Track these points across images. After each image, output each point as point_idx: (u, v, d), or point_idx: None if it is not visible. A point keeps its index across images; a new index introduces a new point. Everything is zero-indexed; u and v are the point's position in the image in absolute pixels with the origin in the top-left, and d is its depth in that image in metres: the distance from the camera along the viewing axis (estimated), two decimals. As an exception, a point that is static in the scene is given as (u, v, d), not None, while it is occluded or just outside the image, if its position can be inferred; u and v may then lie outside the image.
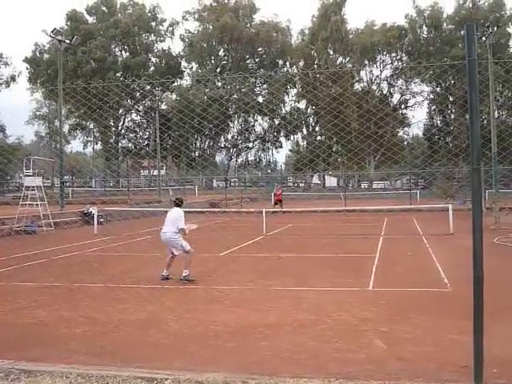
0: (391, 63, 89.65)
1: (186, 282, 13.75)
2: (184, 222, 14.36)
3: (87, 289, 13.23)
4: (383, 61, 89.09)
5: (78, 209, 36.30)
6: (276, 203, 38.40)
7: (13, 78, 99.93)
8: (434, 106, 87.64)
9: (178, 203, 15.04)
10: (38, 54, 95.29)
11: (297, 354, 7.89)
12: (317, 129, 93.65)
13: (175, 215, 14.47)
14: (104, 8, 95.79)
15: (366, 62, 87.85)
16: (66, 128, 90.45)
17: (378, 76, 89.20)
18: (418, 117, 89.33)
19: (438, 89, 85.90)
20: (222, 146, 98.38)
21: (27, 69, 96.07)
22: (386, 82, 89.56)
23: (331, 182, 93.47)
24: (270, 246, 22.01)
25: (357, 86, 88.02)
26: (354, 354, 7.86)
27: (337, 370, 7.13)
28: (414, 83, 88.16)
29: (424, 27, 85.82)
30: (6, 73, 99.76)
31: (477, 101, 5.76)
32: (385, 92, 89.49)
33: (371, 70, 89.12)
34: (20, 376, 6.64)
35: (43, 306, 11.30)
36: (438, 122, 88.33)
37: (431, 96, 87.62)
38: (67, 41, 47.28)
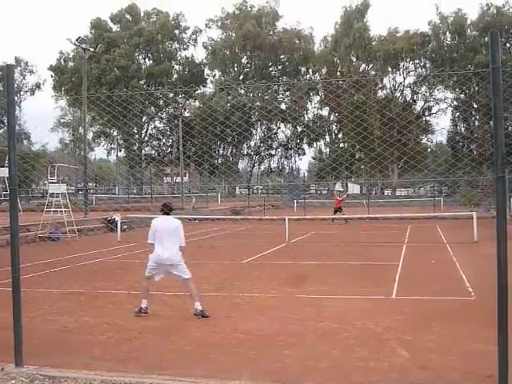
0: (414, 70, 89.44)
1: (201, 317, 10.77)
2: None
3: (111, 295, 13.31)
4: (406, 68, 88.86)
5: (102, 216, 36.49)
6: (336, 211, 38.17)
7: (38, 86, 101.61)
8: (457, 113, 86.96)
9: (168, 211, 11.55)
10: (62, 62, 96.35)
11: (320, 362, 7.87)
12: (340, 136, 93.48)
13: (174, 228, 11.24)
14: (128, 16, 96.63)
15: (389, 69, 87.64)
16: (90, 135, 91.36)
17: (401, 83, 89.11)
18: (442, 124, 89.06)
19: (462, 96, 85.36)
20: (245, 153, 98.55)
21: (52, 77, 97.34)
22: (409, 88, 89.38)
23: (354, 189, 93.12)
24: (292, 253, 21.97)
25: (380, 94, 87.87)
26: (378, 363, 7.81)
27: (360, 378, 7.11)
28: (438, 90, 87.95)
29: (448, 34, 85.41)
30: (32, 81, 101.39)
31: (501, 108, 5.71)
32: (408, 99, 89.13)
33: (394, 77, 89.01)
34: (44, 382, 6.68)
35: (67, 313, 11.38)
36: (462, 129, 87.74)
37: (455, 103, 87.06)
38: (91, 49, 47.77)
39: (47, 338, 9.35)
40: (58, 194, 30.55)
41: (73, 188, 74.87)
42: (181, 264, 11.19)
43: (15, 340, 7.20)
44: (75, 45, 46.42)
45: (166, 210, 11.49)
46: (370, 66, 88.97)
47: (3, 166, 50.59)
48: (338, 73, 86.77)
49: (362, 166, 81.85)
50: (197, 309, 10.85)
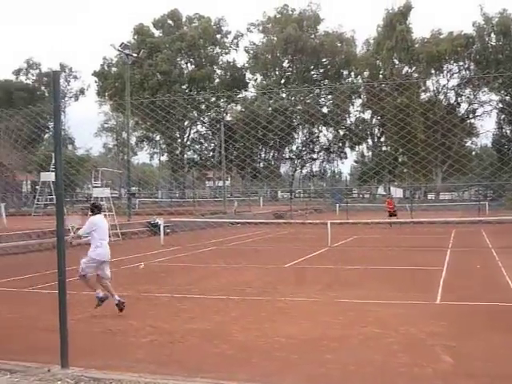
0: (458, 72, 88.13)
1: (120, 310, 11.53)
2: None
3: (154, 298, 13.43)
4: (450, 70, 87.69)
5: (145, 219, 36.81)
6: (391, 215, 37.98)
7: (82, 92, 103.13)
8: (503, 116, 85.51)
9: (98, 211, 12.20)
10: (106, 68, 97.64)
11: (362, 367, 7.82)
12: (382, 139, 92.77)
13: (107, 227, 12.33)
14: (170, 21, 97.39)
15: (433, 72, 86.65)
16: (133, 140, 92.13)
17: (444, 85, 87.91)
18: (487, 127, 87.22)
19: (508, 98, 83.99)
20: (287, 157, 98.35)
21: (96, 82, 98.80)
22: (453, 91, 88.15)
23: (397, 193, 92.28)
24: (335, 257, 21.89)
25: (423, 96, 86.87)
26: (421, 369, 7.72)
27: (403, 384, 7.04)
28: (483, 92, 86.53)
29: (492, 35, 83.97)
30: (76, 86, 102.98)
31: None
32: (452, 101, 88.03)
33: (438, 80, 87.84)
34: (89, 383, 6.77)
35: (111, 315, 11.50)
36: (508, 131, 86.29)
37: (500, 105, 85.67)
38: (134, 54, 48.26)
39: (92, 341, 9.48)
40: (101, 197, 30.92)
41: (116, 192, 75.80)
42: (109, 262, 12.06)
43: (61, 342, 7.31)
44: (118, 50, 46.98)
45: (97, 210, 12.10)
46: (413, 69, 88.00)
47: (49, 171, 51.58)
48: (381, 76, 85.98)
49: (405, 170, 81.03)
50: (119, 300, 11.56)
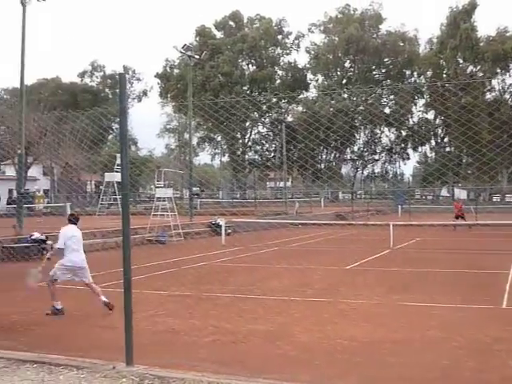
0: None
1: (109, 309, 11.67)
2: None
3: (216, 298, 13.51)
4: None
5: (207, 220, 37.12)
6: (457, 217, 37.51)
7: (144, 93, 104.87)
8: None
9: (74, 221, 12.45)
10: (168, 70, 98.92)
11: (427, 372, 7.71)
12: (446, 140, 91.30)
13: (80, 236, 12.34)
14: (232, 23, 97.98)
15: (498, 71, 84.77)
16: (194, 140, 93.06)
17: (511, 84, 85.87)
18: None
19: None
20: (348, 157, 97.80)
21: (158, 84, 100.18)
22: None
23: (461, 194, 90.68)
24: (397, 259, 21.63)
25: (488, 96, 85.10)
26: (488, 375, 7.58)
27: (470, 390, 6.91)
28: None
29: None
30: (139, 88, 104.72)
31: None
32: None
33: (503, 79, 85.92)
34: (154, 381, 6.86)
35: (174, 314, 11.64)
36: None
37: None
38: (196, 56, 48.68)
39: (155, 339, 9.60)
40: (164, 198, 31.32)
41: (178, 192, 76.65)
42: (86, 270, 12.11)
43: (126, 339, 7.42)
44: (181, 52, 47.44)
45: (73, 219, 12.43)
46: (478, 68, 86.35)
47: (113, 171, 52.54)
48: (444, 75, 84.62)
49: (470, 171, 79.50)
50: (104, 300, 11.74)
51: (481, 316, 11.37)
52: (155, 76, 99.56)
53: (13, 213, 37.49)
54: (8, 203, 55.96)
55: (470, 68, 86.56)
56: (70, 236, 11.99)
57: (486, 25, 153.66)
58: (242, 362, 8.19)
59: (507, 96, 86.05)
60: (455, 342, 9.26)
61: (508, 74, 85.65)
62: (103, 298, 11.78)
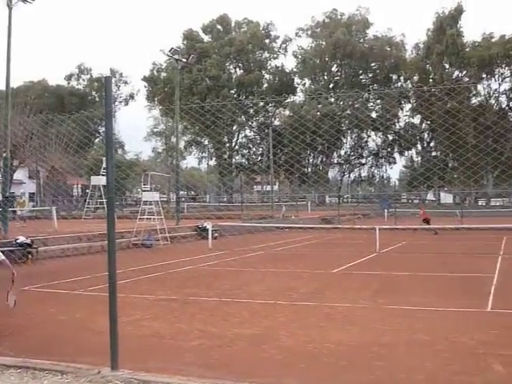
0: (510, 76, 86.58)
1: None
2: None
3: (202, 302, 13.47)
4: (502, 74, 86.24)
5: (194, 223, 37.08)
6: (425, 221, 37.79)
7: (131, 96, 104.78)
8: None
9: None
10: (155, 73, 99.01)
11: (413, 375, 7.71)
12: (432, 144, 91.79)
13: None
14: (219, 26, 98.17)
15: (484, 76, 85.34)
16: (181, 144, 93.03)
17: (496, 90, 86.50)
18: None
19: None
20: (335, 161, 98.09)
21: (145, 87, 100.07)
22: (504, 95, 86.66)
23: (446, 198, 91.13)
24: (383, 263, 21.68)
25: (474, 101, 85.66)
26: (472, 378, 7.60)
27: (454, 393, 6.93)
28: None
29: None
30: (126, 91, 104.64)
31: None
32: (504, 106, 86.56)
33: (489, 84, 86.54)
34: (139, 386, 6.83)
35: (160, 319, 11.60)
36: None
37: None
38: (184, 59, 48.62)
39: (141, 343, 9.55)
40: (151, 201, 31.24)
41: (165, 196, 76.49)
42: None
43: (111, 344, 7.38)
44: (168, 56, 47.49)
45: None
46: (464, 73, 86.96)
47: (99, 175, 52.34)
48: (430, 80, 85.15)
49: (456, 175, 79.92)
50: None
51: (466, 319, 11.40)
52: (142, 79, 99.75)
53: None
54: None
55: (456, 73, 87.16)
56: None
57: (471, 30, 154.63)
58: (228, 366, 8.17)
59: (492, 101, 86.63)
60: (440, 346, 9.28)
61: (493, 79, 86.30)
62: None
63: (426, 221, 37.88)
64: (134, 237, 29.57)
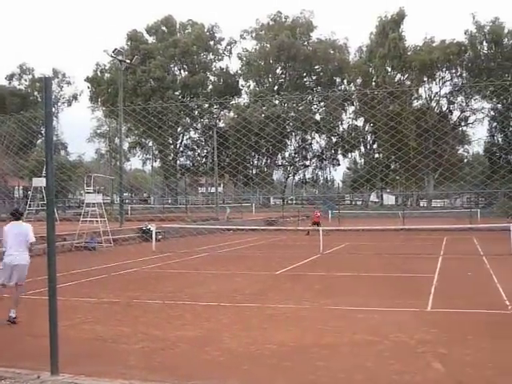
0: (451, 80, 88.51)
1: (11, 323, 11.14)
2: None
3: (145, 305, 13.39)
4: (442, 77, 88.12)
5: (137, 226, 36.78)
6: (314, 224, 38.20)
7: (75, 97, 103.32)
8: (495, 124, 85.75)
9: (19, 216, 12.25)
10: (99, 74, 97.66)
11: (353, 374, 7.82)
12: (374, 147, 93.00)
13: (24, 231, 11.94)
14: (164, 28, 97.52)
15: (425, 79, 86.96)
16: (125, 146, 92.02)
17: (437, 93, 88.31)
18: (479, 134, 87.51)
19: (500, 106, 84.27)
20: (280, 164, 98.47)
21: (88, 88, 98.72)
22: (445, 99, 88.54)
23: (389, 200, 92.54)
24: (326, 264, 21.90)
25: (415, 104, 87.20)
26: (412, 376, 7.74)
27: (394, 391, 7.04)
28: (475, 100, 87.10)
29: (484, 43, 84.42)
30: (69, 92, 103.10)
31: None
32: (444, 109, 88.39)
33: (430, 87, 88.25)
34: (80, 390, 6.76)
35: (102, 322, 11.48)
36: (500, 139, 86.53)
37: (492, 113, 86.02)
38: (128, 60, 48.17)
39: (82, 347, 9.44)
40: (93, 203, 30.86)
41: (108, 198, 75.64)
42: (26, 269, 11.79)
43: (51, 348, 7.28)
44: (112, 56, 46.97)
45: (13, 217, 12.02)
46: (406, 76, 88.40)
47: (41, 177, 51.42)
48: (373, 83, 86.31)
49: (397, 177, 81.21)
50: (11, 316, 11.15)
51: (406, 319, 11.59)
52: (85, 80, 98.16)
53: None
54: None
55: (398, 76, 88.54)
56: (7, 233, 11.74)
57: (413, 35, 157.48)
58: (171, 369, 8.14)
59: (433, 104, 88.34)
60: (381, 345, 9.43)
61: (434, 82, 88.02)
62: (12, 313, 11.17)
63: (317, 223, 38.04)
64: (76, 239, 29.17)
